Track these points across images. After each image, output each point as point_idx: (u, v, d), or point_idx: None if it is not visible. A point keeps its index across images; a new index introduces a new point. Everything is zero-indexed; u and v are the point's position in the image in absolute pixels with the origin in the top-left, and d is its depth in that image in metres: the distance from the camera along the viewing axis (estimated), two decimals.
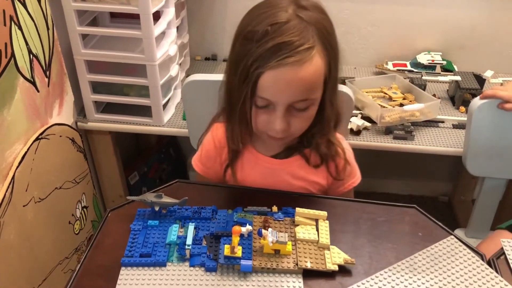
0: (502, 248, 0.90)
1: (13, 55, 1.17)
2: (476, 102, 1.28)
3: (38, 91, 1.31)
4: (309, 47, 0.84)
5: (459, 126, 1.57)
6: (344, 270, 0.83)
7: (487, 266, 0.84)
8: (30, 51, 1.25)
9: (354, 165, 1.08)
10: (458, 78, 1.68)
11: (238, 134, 0.99)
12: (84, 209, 1.59)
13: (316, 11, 0.88)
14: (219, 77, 1.35)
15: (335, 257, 0.84)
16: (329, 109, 0.95)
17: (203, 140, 1.11)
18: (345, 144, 1.08)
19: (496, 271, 0.84)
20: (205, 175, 1.11)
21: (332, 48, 0.89)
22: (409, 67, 1.83)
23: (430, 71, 1.81)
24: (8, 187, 1.17)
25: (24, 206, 1.25)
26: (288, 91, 0.86)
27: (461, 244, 0.89)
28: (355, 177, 1.09)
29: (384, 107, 1.57)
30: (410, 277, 0.82)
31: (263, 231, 0.82)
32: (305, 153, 1.04)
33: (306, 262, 0.82)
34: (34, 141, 1.28)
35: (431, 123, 1.59)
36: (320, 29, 0.86)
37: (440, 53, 1.85)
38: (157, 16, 1.47)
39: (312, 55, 0.84)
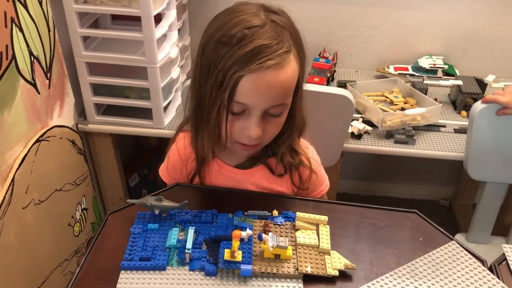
0: (503, 254, 0.89)
1: (14, 56, 1.17)
2: (477, 106, 1.28)
3: (38, 93, 1.30)
4: (287, 50, 0.83)
5: (461, 130, 1.56)
6: (344, 275, 0.83)
7: (489, 272, 0.84)
8: (31, 53, 1.25)
9: (320, 173, 1.06)
10: (459, 82, 1.68)
11: (208, 144, 0.94)
12: (84, 211, 1.59)
13: (285, 16, 0.87)
14: None
15: (335, 262, 0.83)
16: (299, 116, 0.94)
17: (168, 151, 1.09)
18: (311, 152, 1.05)
19: (498, 277, 0.83)
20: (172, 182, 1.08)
21: (303, 52, 0.88)
22: (410, 71, 1.83)
23: (432, 75, 1.81)
24: (8, 189, 1.17)
25: (24, 208, 1.24)
26: (268, 95, 0.83)
27: (462, 249, 0.88)
28: (323, 185, 1.07)
29: (385, 111, 1.57)
30: (411, 283, 0.81)
31: (264, 235, 0.82)
32: (268, 162, 1.01)
33: (307, 267, 0.82)
34: (35, 143, 1.28)
35: (433, 127, 1.59)
36: (292, 33, 0.85)
37: (442, 57, 1.85)
38: (158, 18, 1.47)
39: (290, 59, 0.83)
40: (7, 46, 1.14)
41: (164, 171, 1.10)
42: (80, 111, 1.63)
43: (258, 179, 1.02)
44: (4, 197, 1.15)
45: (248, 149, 0.92)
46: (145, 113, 1.61)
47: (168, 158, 1.09)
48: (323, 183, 1.08)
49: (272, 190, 1.03)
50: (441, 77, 1.81)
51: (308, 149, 1.05)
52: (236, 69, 0.81)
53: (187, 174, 1.06)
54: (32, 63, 1.26)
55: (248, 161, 1.02)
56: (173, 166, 1.08)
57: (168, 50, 1.52)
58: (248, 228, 0.85)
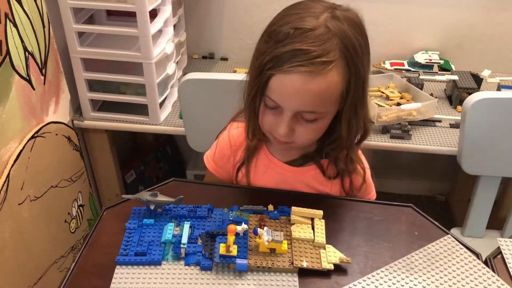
0: (498, 248, 0.89)
1: (8, 52, 1.16)
2: (470, 100, 1.28)
3: (33, 89, 1.30)
4: (327, 60, 0.79)
5: (456, 125, 1.57)
6: (339, 269, 0.83)
7: (484, 266, 0.84)
8: (25, 49, 1.24)
9: (370, 183, 1.06)
10: (455, 77, 1.68)
11: (251, 128, 0.96)
12: (80, 207, 1.59)
13: (350, 24, 0.83)
14: (216, 76, 1.36)
15: (330, 256, 0.83)
16: (345, 128, 0.90)
17: (219, 137, 1.08)
18: (364, 161, 1.05)
19: (493, 270, 0.84)
20: (216, 174, 1.09)
21: (356, 66, 0.83)
22: (406, 66, 1.83)
23: (428, 70, 1.81)
24: (3, 185, 1.16)
25: (19, 204, 1.24)
26: (295, 99, 0.83)
27: (457, 243, 0.89)
28: (370, 194, 1.07)
29: (381, 106, 1.57)
30: (407, 277, 0.82)
31: (259, 230, 0.82)
32: (321, 163, 1.00)
33: (302, 261, 0.82)
34: (30, 139, 1.28)
35: (428, 122, 1.59)
36: (346, 44, 0.81)
37: (438, 52, 1.85)
38: (154, 14, 1.47)
39: (328, 70, 0.80)
40: (1, 41, 1.14)
41: (210, 159, 1.08)
42: (76, 107, 1.63)
43: (308, 179, 1.01)
44: None
45: (281, 143, 0.92)
46: (141, 109, 1.61)
47: (217, 145, 1.07)
48: (370, 192, 1.07)
49: (320, 191, 1.02)
50: (437, 72, 1.81)
51: (362, 157, 1.04)
52: (270, 66, 0.82)
53: (234, 164, 1.05)
54: (26, 59, 1.25)
55: (300, 159, 1.01)
56: (220, 153, 1.07)
57: (163, 46, 1.51)
58: (243, 223, 0.85)
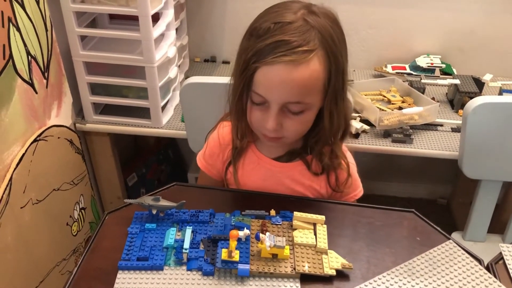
0: (500, 253, 0.89)
1: (11, 56, 1.17)
2: (471, 105, 1.28)
3: (36, 93, 1.30)
4: (308, 49, 0.84)
5: (458, 129, 1.56)
6: (341, 275, 0.83)
7: (486, 271, 0.84)
8: (28, 53, 1.24)
9: (356, 178, 1.08)
10: (457, 81, 1.68)
11: (240, 129, 0.99)
12: (82, 210, 1.59)
13: (326, 18, 0.88)
14: (218, 79, 1.36)
15: (332, 262, 0.83)
16: (327, 119, 0.93)
17: (208, 137, 1.12)
18: (349, 157, 1.07)
19: (495, 276, 0.84)
20: (207, 172, 1.12)
21: (335, 57, 0.88)
22: (408, 70, 1.83)
23: (429, 74, 1.81)
24: (6, 188, 1.17)
25: (21, 207, 1.24)
26: (280, 89, 0.86)
27: (459, 248, 0.89)
28: (357, 190, 1.09)
29: (383, 110, 1.57)
30: (408, 282, 0.82)
31: (261, 235, 0.82)
32: (307, 159, 1.03)
33: (304, 266, 0.82)
34: (32, 142, 1.28)
35: (430, 126, 1.59)
36: (324, 35, 0.86)
37: (439, 56, 1.85)
38: (156, 17, 1.47)
39: (310, 58, 0.84)
40: (4, 45, 1.14)
41: (201, 157, 1.12)
42: (78, 111, 1.63)
43: (295, 174, 1.04)
44: (2, 196, 1.15)
45: (271, 140, 0.95)
46: (143, 113, 1.61)
47: (207, 145, 1.11)
48: (357, 188, 1.09)
49: (308, 186, 1.04)
50: (438, 76, 1.81)
51: (347, 152, 1.07)
52: (254, 60, 0.85)
53: (223, 161, 1.08)
54: (29, 63, 1.25)
55: (286, 155, 1.04)
56: (210, 152, 1.10)
57: (165, 50, 1.52)
58: (245, 228, 0.85)
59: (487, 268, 0.86)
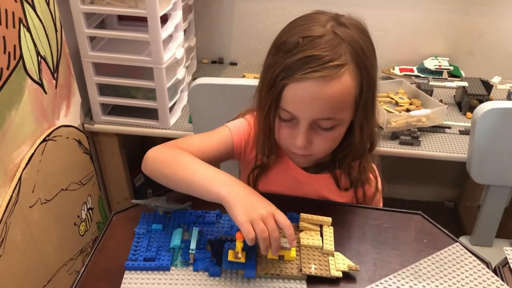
0: (506, 257, 0.89)
1: (21, 57, 1.18)
2: (480, 110, 1.27)
3: (45, 93, 1.31)
4: (339, 64, 0.80)
5: (466, 132, 1.56)
6: (348, 277, 0.83)
7: (493, 274, 0.84)
8: (38, 53, 1.26)
9: (381, 192, 1.06)
10: (465, 84, 1.67)
11: (268, 145, 0.95)
12: (90, 210, 1.60)
13: (356, 30, 0.84)
14: (226, 81, 1.36)
15: (339, 264, 0.83)
16: (357, 133, 0.90)
17: (243, 113, 1.04)
18: (375, 169, 1.05)
19: (502, 279, 0.83)
20: (235, 144, 1.01)
21: (367, 69, 0.85)
22: (416, 72, 1.83)
23: (437, 77, 1.81)
24: (15, 188, 1.18)
25: (30, 207, 1.25)
26: (311, 106, 0.82)
27: (466, 251, 0.88)
28: (379, 205, 1.07)
29: (390, 112, 1.56)
30: (415, 284, 0.82)
31: None
32: (335, 173, 1.00)
33: (310, 268, 0.82)
34: (41, 142, 1.29)
35: (438, 128, 1.59)
36: (355, 48, 0.82)
37: (447, 59, 1.85)
38: (164, 19, 1.48)
39: (341, 73, 0.81)
40: (15, 46, 1.15)
41: (236, 131, 1.01)
42: (86, 111, 1.64)
43: (320, 187, 1.01)
44: (11, 196, 1.16)
45: (299, 157, 0.92)
46: (151, 114, 1.62)
47: (246, 122, 1.02)
48: (380, 200, 1.07)
49: (331, 200, 1.01)
50: (446, 79, 1.80)
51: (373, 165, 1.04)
52: (283, 76, 0.82)
53: (254, 155, 1.01)
54: (39, 63, 1.26)
55: (315, 167, 1.00)
56: (246, 137, 1.01)
57: (174, 51, 1.53)
58: None
59: (494, 271, 0.85)
